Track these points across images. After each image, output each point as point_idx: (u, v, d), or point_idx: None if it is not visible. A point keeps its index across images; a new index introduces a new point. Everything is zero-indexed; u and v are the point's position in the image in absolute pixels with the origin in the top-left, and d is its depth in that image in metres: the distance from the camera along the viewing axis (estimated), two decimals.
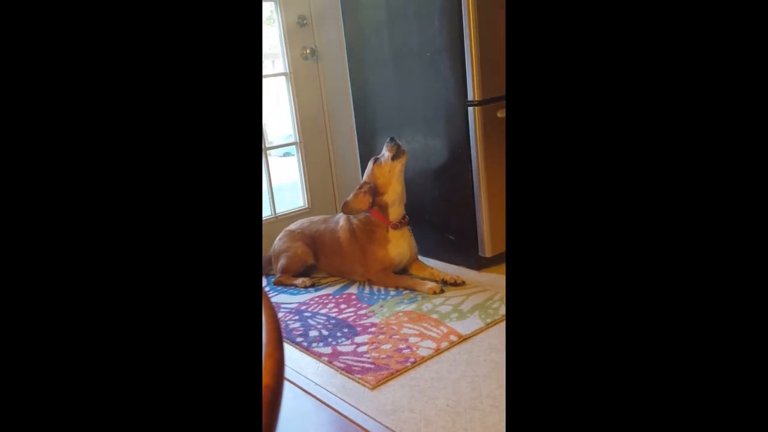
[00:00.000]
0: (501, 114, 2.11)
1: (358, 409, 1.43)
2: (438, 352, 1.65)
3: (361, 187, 2.22)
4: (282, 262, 2.36)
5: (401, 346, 1.71)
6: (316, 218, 2.46)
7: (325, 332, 1.87)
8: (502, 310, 1.86)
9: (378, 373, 1.57)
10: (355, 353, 1.71)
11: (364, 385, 1.53)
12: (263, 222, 2.73)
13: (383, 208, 2.20)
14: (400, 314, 1.93)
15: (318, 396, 1.52)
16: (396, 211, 2.21)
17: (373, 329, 1.85)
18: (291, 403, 1.50)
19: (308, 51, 2.75)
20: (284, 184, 3.39)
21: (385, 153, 2.18)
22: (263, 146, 2.71)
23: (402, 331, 1.80)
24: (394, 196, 2.19)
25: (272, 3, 2.65)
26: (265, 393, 0.54)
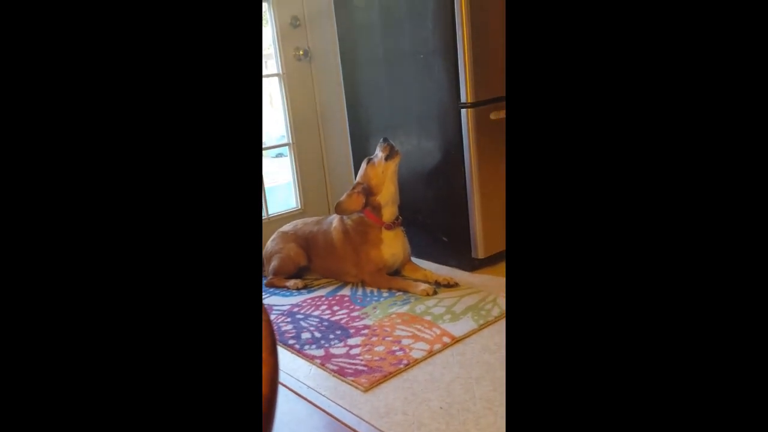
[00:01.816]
0: (494, 116, 2.12)
1: (351, 412, 1.43)
2: (431, 353, 1.65)
3: (354, 188, 2.21)
4: (274, 263, 2.35)
5: (394, 348, 1.71)
6: (309, 219, 2.46)
7: (317, 334, 1.87)
8: (495, 312, 1.86)
9: (371, 376, 1.56)
10: (347, 355, 1.70)
11: (357, 388, 1.52)
12: None
13: (376, 209, 2.19)
14: (393, 316, 1.93)
15: (310, 399, 1.51)
16: (389, 212, 2.21)
17: (366, 331, 1.84)
18: (284, 406, 1.50)
19: (301, 52, 2.74)
20: (277, 185, 3.38)
21: (379, 153, 2.18)
22: None
23: (395, 333, 1.80)
24: (388, 196, 2.19)
25: (265, 3, 2.64)
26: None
